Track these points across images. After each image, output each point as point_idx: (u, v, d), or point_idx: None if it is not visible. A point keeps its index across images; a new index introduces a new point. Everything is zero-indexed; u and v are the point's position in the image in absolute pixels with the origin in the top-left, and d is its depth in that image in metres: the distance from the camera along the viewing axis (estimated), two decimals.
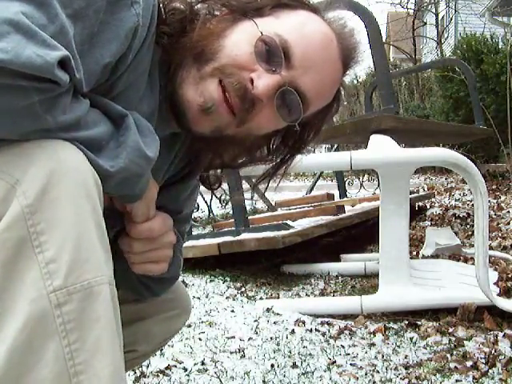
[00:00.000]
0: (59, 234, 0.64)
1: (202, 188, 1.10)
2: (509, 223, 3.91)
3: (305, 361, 1.75)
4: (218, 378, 1.62)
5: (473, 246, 3.14)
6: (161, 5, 0.82)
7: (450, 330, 1.97)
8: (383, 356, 1.78)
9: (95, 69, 0.72)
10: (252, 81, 0.81)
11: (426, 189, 6.72)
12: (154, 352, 1.17)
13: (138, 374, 1.63)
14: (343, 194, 5.01)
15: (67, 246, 0.64)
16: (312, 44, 0.83)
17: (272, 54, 0.81)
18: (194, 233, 3.48)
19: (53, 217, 0.64)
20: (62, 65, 0.65)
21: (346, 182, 5.45)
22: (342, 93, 0.94)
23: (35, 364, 0.63)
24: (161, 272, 0.91)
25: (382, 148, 2.24)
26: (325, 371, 1.68)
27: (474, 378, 1.59)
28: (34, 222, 0.64)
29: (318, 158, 2.35)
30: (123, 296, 0.99)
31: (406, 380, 1.60)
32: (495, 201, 4.97)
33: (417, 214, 4.63)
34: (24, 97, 0.63)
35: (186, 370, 1.68)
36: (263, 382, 1.61)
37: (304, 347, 1.87)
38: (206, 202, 4.54)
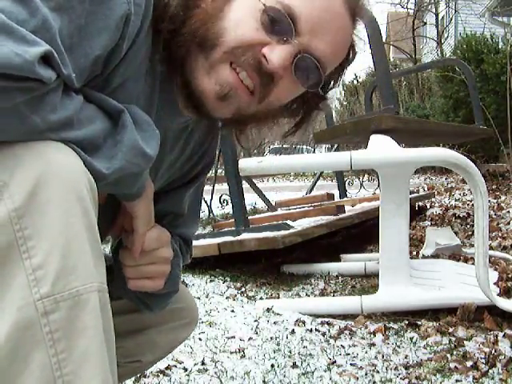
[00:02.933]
0: (47, 240, 0.61)
1: None
2: (509, 223, 3.91)
3: (305, 361, 1.75)
4: (218, 378, 1.62)
5: (473, 245, 3.14)
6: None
7: (450, 329, 1.97)
8: (383, 356, 1.78)
9: (85, 63, 0.68)
10: (265, 56, 0.78)
11: (426, 189, 6.72)
12: (158, 361, 1.14)
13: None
14: (343, 194, 5.01)
15: (55, 252, 0.61)
16: (316, 4, 0.80)
17: (280, 23, 0.78)
18: None
19: (41, 221, 0.61)
20: (46, 61, 0.62)
21: (346, 182, 5.45)
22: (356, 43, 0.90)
23: (21, 373, 0.60)
24: (155, 289, 0.89)
25: (382, 148, 2.24)
26: (325, 371, 1.68)
27: (474, 378, 1.59)
28: (21, 226, 0.61)
29: (318, 157, 2.35)
30: (127, 305, 0.98)
31: (406, 380, 1.60)
32: (495, 201, 4.97)
33: (417, 214, 4.63)
34: (6, 98, 0.60)
35: (186, 370, 1.68)
36: (263, 382, 1.61)
37: (304, 347, 1.87)
38: (205, 202, 4.54)
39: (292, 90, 0.84)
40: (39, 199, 0.62)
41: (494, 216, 4.19)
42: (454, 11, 15.32)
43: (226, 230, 3.19)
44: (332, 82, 0.91)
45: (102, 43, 0.69)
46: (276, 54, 0.78)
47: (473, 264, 2.57)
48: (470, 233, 3.72)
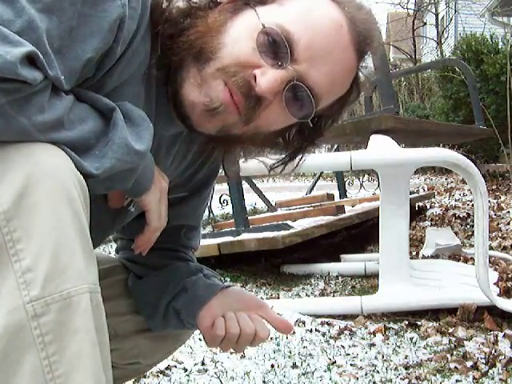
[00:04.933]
0: (36, 242, 0.61)
1: None
2: (509, 223, 3.91)
3: (305, 361, 1.75)
4: (218, 378, 1.63)
5: (473, 246, 3.13)
6: (163, 5, 0.77)
7: (450, 330, 1.97)
8: (383, 356, 1.78)
9: (76, 65, 0.67)
10: (255, 77, 0.75)
11: (426, 189, 6.72)
12: (158, 363, 1.12)
13: None
14: (343, 194, 5.01)
15: (45, 255, 0.61)
16: (318, 33, 0.76)
17: (276, 47, 0.75)
18: None
19: (30, 224, 0.61)
20: (32, 62, 0.61)
21: (346, 182, 5.45)
22: (362, 79, 0.85)
23: (12, 377, 0.60)
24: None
25: (382, 148, 2.24)
26: (325, 371, 1.68)
27: (474, 378, 1.59)
28: (9, 229, 0.60)
29: (318, 158, 2.35)
30: (126, 307, 0.97)
31: (406, 380, 1.61)
32: (495, 201, 4.97)
33: (417, 214, 4.63)
34: None
35: (186, 370, 1.68)
36: (263, 382, 1.61)
37: (304, 347, 1.87)
38: None
39: (281, 117, 0.80)
40: (28, 201, 0.61)
41: (493, 216, 4.19)
42: (453, 11, 15.31)
43: (225, 230, 3.19)
44: (331, 119, 0.88)
45: (94, 46, 0.68)
46: (266, 78, 0.75)
47: (473, 264, 2.57)
48: (470, 233, 3.72)
